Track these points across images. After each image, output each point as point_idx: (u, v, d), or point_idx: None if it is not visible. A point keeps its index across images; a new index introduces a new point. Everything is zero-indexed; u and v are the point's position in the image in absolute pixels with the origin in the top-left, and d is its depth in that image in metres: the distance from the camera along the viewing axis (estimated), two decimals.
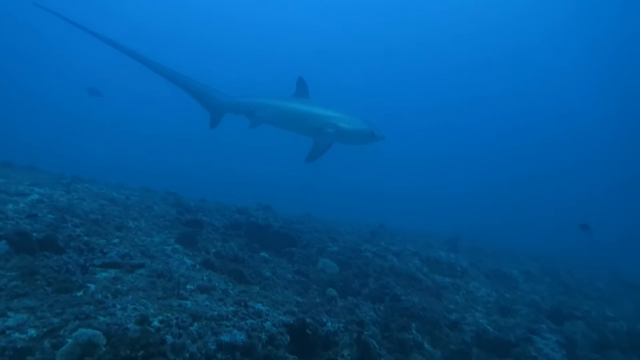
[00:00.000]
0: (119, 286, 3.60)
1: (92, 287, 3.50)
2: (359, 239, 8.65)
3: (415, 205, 31.44)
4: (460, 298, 6.84)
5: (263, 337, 3.49)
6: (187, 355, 2.81)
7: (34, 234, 4.03)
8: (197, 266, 4.71)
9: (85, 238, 4.51)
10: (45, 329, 2.65)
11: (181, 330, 3.00)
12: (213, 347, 3.06)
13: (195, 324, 3.19)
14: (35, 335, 2.59)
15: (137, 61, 7.80)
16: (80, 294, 3.35)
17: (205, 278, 4.31)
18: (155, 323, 2.94)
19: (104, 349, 2.51)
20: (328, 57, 54.07)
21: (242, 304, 3.94)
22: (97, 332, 2.57)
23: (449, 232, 13.24)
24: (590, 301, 7.92)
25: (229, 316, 3.53)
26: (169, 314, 3.11)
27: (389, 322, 5.34)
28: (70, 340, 2.50)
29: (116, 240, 4.70)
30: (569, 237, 13.99)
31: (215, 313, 3.46)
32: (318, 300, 5.17)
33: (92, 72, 45.32)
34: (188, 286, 3.87)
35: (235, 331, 3.33)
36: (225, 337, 3.19)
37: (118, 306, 3.11)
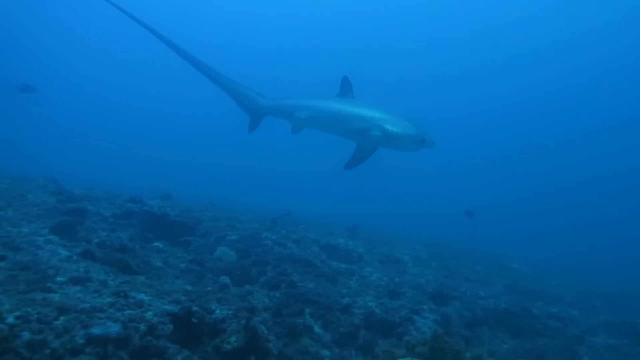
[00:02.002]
0: None
1: None
2: (260, 227, 8.67)
3: (329, 193, 32.27)
4: (354, 283, 7.19)
5: (142, 327, 3.38)
6: (47, 351, 2.63)
7: None
8: (74, 257, 4.40)
9: None
10: None
11: (43, 326, 2.79)
12: (81, 341, 2.89)
13: (62, 318, 2.99)
14: None
15: (182, 57, 7.33)
16: None
17: (81, 269, 4.04)
18: (11, 319, 2.70)
19: None
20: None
21: (122, 294, 3.77)
22: None
23: (354, 219, 13.85)
24: (468, 283, 8.80)
25: (104, 308, 3.36)
26: (29, 309, 2.87)
27: (281, 308, 5.46)
28: None
29: None
30: (458, 224, 15.36)
31: (88, 305, 3.27)
32: (210, 288, 5.12)
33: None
34: (58, 278, 3.60)
35: (110, 323, 3.19)
36: (96, 330, 3.04)
37: None
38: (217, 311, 4.40)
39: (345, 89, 7.24)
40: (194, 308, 4.08)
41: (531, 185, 39.48)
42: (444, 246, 12.60)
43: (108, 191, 8.41)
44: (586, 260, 17.47)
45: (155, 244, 6.47)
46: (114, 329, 3.10)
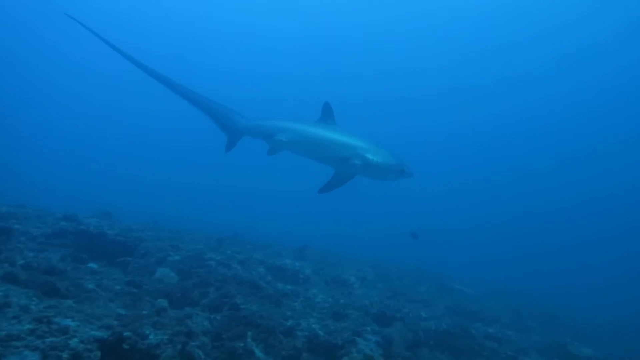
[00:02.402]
0: None
1: None
2: (205, 247, 8.46)
3: (280, 213, 32.11)
4: (298, 305, 7.13)
5: (64, 356, 3.18)
6: None
7: None
8: None
9: None
10: None
11: None
12: None
13: None
14: None
15: (153, 77, 7.00)
16: None
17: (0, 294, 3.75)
18: None
19: None
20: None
21: (45, 320, 3.53)
22: None
23: (304, 240, 13.82)
24: (411, 304, 8.97)
25: (22, 335, 3.13)
26: None
27: (221, 332, 5.32)
28: None
29: None
30: (405, 245, 15.71)
31: (3, 333, 3.04)
32: (145, 312, 4.91)
33: None
34: None
35: (27, 352, 2.98)
36: None
37: None
38: (152, 336, 4.22)
39: (327, 114, 7.19)
40: (126, 333, 3.90)
41: (479, 211, 41.04)
42: (391, 267, 12.83)
43: (41, 209, 7.92)
44: (526, 283, 18.36)
45: (90, 265, 6.14)
46: (32, 358, 2.90)
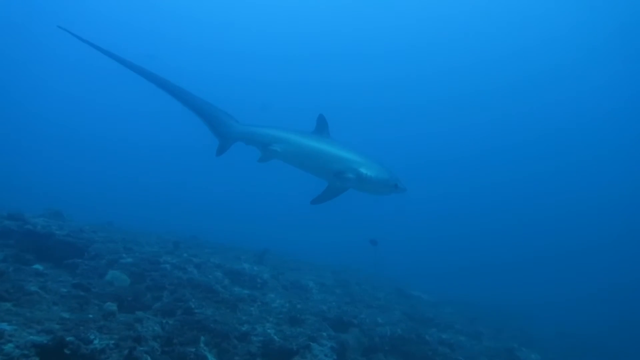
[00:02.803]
0: None
1: None
2: (161, 250, 8.25)
3: (243, 217, 31.78)
4: (255, 310, 7.06)
5: None
6: None
7: None
8: None
9: None
10: None
11: None
12: None
13: None
14: None
15: (142, 76, 6.62)
16: None
17: None
18: None
19: None
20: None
21: None
22: None
23: (266, 244, 13.71)
24: (369, 309, 9.05)
25: None
26: None
27: (172, 336, 5.19)
28: None
29: None
30: (365, 252, 15.88)
31: None
32: (92, 316, 4.72)
33: None
34: None
35: None
36: None
37: None
38: (96, 341, 4.06)
39: (321, 126, 7.13)
40: (68, 338, 3.74)
41: (444, 220, 41.76)
42: (351, 273, 12.92)
43: None
44: (483, 292, 18.91)
45: (35, 266, 5.86)
46: None
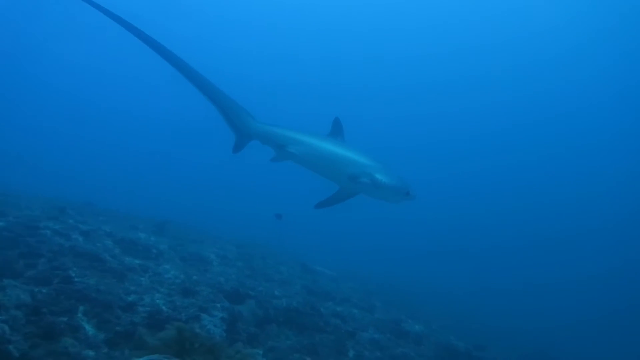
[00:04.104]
0: None
1: None
2: (42, 214, 7.55)
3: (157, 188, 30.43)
4: (145, 280, 6.79)
5: None
6: None
7: None
8: None
9: None
10: None
11: None
12: None
13: None
14: None
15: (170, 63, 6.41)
16: None
17: None
18: None
19: None
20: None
21: None
22: None
23: (171, 215, 13.19)
24: (268, 283, 9.14)
25: None
26: None
27: (43, 306, 4.82)
28: None
29: None
30: (272, 226, 15.94)
31: None
32: None
33: None
34: None
35: None
36: None
37: None
38: None
39: (336, 130, 7.13)
40: None
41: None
42: (257, 248, 12.93)
43: None
44: (386, 270, 19.97)
45: None
46: None
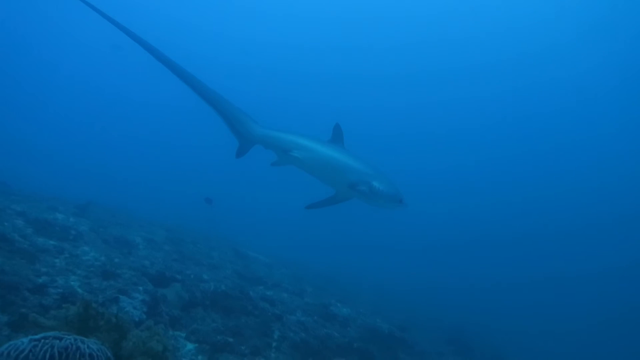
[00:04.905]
0: None
1: None
2: None
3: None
4: (60, 262, 6.41)
5: None
6: None
7: None
8: None
9: None
10: None
11: None
12: None
13: None
14: None
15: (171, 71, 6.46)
16: None
17: None
18: None
19: None
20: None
21: None
22: None
23: (95, 196, 12.50)
24: (197, 267, 8.97)
25: None
26: None
27: None
28: None
29: None
30: (204, 210, 15.63)
31: None
32: None
33: None
34: None
35: None
36: None
37: None
38: None
39: (337, 136, 7.16)
40: None
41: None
42: (188, 232, 12.62)
43: None
44: (322, 259, 20.28)
45: None
46: None
